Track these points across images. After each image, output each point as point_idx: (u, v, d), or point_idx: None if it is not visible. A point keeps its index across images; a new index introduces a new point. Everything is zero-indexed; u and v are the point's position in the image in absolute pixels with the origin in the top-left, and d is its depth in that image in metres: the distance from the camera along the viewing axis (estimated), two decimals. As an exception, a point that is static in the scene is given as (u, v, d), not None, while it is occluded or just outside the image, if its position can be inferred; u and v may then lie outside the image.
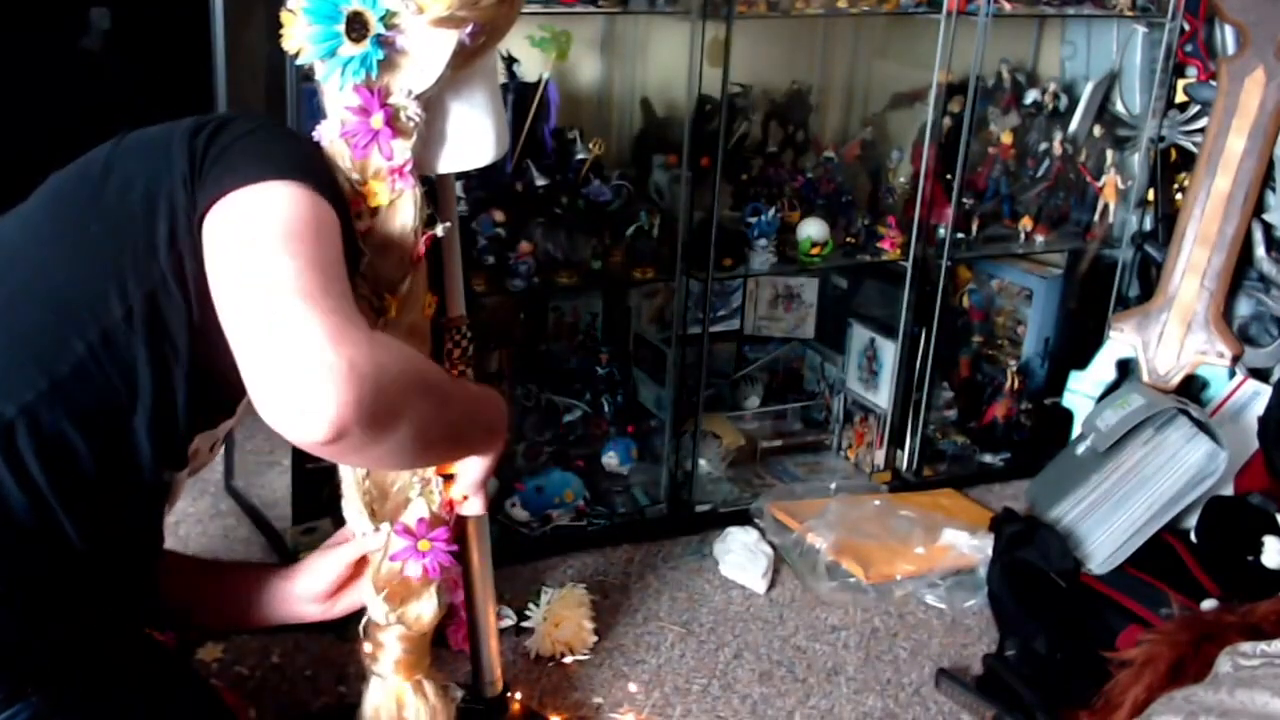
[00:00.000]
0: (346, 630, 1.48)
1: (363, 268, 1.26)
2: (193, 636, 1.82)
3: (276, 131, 1.22)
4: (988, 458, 2.65)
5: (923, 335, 2.50)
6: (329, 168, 1.22)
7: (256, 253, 1.03)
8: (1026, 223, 2.57)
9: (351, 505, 1.38)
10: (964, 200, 2.48)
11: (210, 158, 1.12)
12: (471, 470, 1.37)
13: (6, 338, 1.12)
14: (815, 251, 2.36)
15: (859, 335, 2.63)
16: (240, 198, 1.07)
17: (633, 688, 1.88)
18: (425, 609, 1.41)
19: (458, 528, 1.50)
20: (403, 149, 1.23)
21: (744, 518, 2.34)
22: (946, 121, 2.43)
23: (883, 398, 2.56)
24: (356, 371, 0.96)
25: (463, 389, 1.28)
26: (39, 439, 1.08)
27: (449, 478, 1.39)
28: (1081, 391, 2.50)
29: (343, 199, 1.19)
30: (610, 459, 2.41)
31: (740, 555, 2.21)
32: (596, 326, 2.54)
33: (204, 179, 1.11)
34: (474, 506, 1.44)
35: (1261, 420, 2.26)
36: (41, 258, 1.15)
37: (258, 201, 1.07)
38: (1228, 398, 2.37)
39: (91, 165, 1.18)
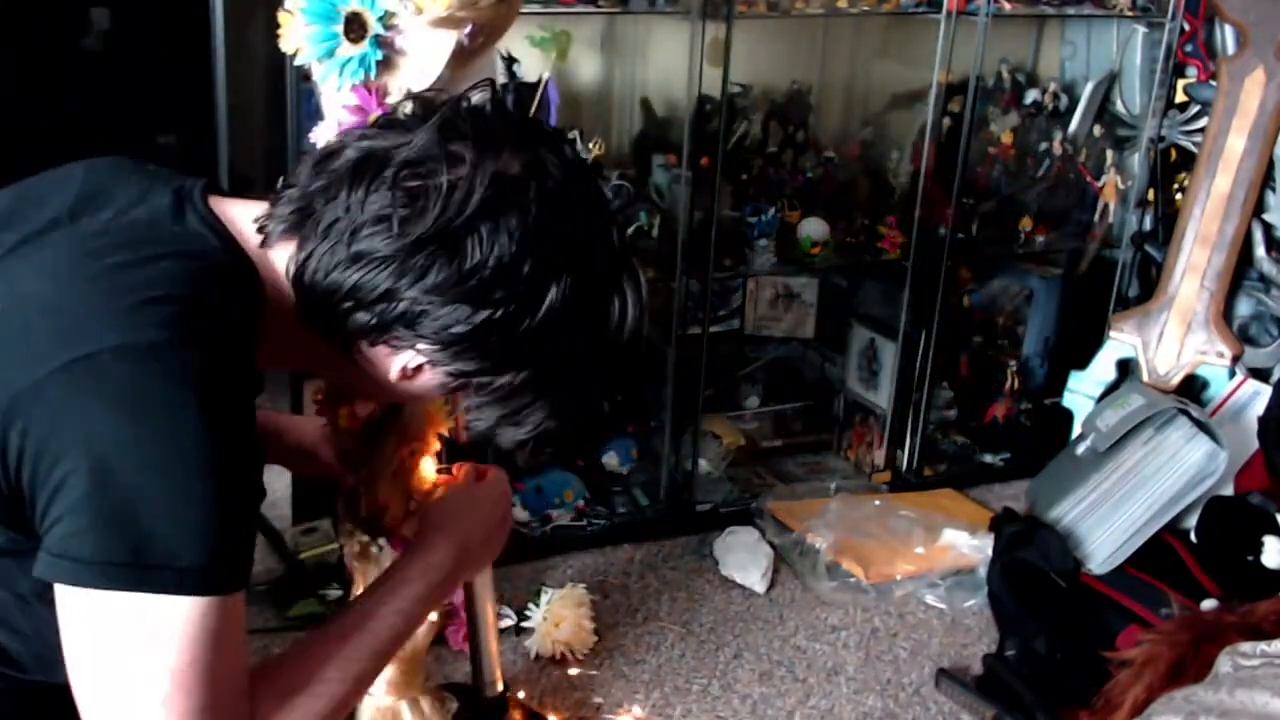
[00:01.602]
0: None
1: None
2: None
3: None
4: (988, 458, 2.65)
5: (923, 335, 2.50)
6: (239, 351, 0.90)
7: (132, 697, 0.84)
8: (1026, 223, 2.57)
9: (349, 522, 1.36)
10: (964, 200, 2.48)
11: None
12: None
13: None
14: (815, 251, 2.36)
15: (859, 335, 2.62)
16: (94, 605, 0.83)
17: (633, 688, 1.88)
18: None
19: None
20: (402, 149, 1.23)
21: (744, 518, 2.34)
22: (946, 121, 2.42)
23: (883, 398, 2.56)
24: None
25: (378, 631, 1.03)
26: None
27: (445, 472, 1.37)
28: (1081, 391, 2.50)
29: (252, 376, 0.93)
30: (610, 459, 2.41)
31: (740, 555, 2.21)
32: (597, 326, 2.53)
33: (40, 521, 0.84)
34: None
35: (1261, 420, 2.26)
36: None
37: (124, 621, 0.82)
38: (1228, 398, 2.37)
39: None
